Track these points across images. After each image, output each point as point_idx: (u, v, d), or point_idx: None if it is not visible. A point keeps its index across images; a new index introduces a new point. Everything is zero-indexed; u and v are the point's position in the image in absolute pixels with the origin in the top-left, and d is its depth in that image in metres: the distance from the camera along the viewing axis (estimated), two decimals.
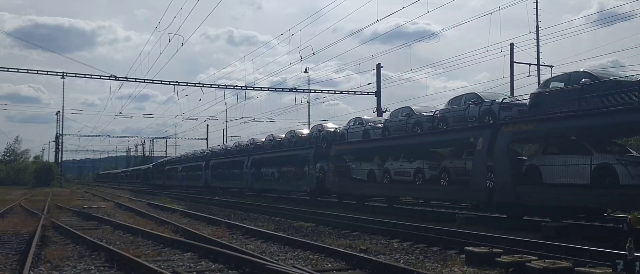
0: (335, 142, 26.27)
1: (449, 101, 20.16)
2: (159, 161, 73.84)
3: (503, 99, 17.73)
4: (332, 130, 27.92)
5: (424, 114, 21.02)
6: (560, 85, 15.51)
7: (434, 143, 20.59)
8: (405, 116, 21.85)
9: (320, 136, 28.52)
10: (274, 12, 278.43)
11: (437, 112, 20.22)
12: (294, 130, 33.56)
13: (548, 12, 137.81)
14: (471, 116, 18.08)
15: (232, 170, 39.84)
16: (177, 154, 72.24)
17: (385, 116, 30.78)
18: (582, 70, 15.62)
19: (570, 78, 15.31)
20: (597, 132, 14.58)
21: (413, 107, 22.59)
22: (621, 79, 13.92)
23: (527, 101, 16.92)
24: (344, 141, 25.71)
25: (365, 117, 26.77)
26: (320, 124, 30.94)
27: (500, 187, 16.06)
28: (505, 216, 17.13)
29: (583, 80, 14.57)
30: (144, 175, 75.71)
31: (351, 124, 26.37)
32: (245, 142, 40.93)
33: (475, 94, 19.03)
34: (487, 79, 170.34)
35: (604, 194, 13.50)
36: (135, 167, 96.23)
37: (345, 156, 26.01)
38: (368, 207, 23.84)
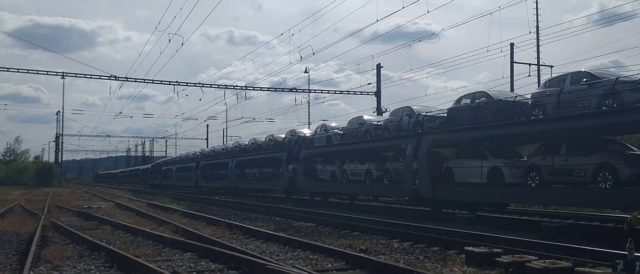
0: (304, 146, 28.86)
1: (391, 113, 23.09)
2: (156, 162, 75.94)
3: (427, 113, 20.51)
4: (303, 135, 30.64)
5: (373, 123, 23.83)
6: (468, 102, 18.31)
7: (378, 148, 23.25)
8: (358, 124, 24.70)
9: (292, 140, 31.01)
10: (275, 12, 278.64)
11: (381, 122, 23.33)
12: (272, 134, 35.81)
13: (549, 12, 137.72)
14: (405, 126, 21.08)
15: (219, 171, 42.25)
16: (175, 155, 72.69)
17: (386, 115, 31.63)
18: (482, 90, 19.24)
19: (475, 96, 18.18)
20: (501, 140, 17.43)
21: (365, 117, 25.70)
22: (509, 98, 17.06)
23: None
24: (311, 145, 28.38)
25: (333, 124, 29.23)
26: (294, 130, 33.72)
27: (422, 186, 18.99)
28: (429, 209, 19.34)
29: (481, 99, 17.52)
30: (142, 175, 78.82)
31: (318, 130, 28.94)
32: (230, 145, 43.96)
33: (410, 107, 22.01)
34: (488, 79, 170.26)
35: (494, 191, 16.78)
36: (133, 168, 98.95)
37: (313, 158, 28.62)
38: (369, 207, 23.89)
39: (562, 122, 14.46)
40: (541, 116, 15.28)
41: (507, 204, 19.29)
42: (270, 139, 34.60)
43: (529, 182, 15.48)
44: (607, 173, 13.18)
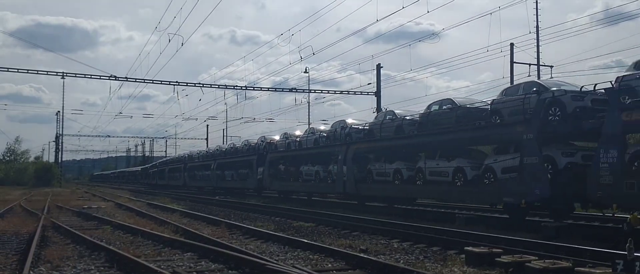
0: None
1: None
2: (145, 165, 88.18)
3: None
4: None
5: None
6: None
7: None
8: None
9: (343, 133, 28.32)
10: (278, 12, 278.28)
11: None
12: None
13: (553, 12, 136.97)
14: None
15: (180, 173, 56.17)
16: (175, 156, 74.66)
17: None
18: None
19: None
20: None
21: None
22: None
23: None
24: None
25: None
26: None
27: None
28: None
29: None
30: (128, 176, 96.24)
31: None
32: (186, 154, 61.59)
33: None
34: (490, 79, 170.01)
35: None
36: (123, 170, 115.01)
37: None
38: (369, 207, 23.86)
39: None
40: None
41: None
42: (216, 148, 42.33)
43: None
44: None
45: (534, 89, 16.00)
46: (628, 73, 13.85)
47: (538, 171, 14.56)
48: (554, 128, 14.70)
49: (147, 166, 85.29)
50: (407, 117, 22.21)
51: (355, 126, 26.16)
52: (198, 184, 49.90)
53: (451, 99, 20.30)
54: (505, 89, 18.33)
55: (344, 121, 28.23)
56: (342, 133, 26.37)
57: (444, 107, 19.65)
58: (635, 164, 12.83)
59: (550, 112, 14.85)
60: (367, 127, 24.88)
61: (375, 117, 26.15)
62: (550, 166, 14.78)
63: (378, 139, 23.29)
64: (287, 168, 31.78)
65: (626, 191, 12.30)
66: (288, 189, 31.69)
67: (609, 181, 12.62)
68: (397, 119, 22.72)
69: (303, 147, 30.12)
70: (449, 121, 18.88)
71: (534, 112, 15.18)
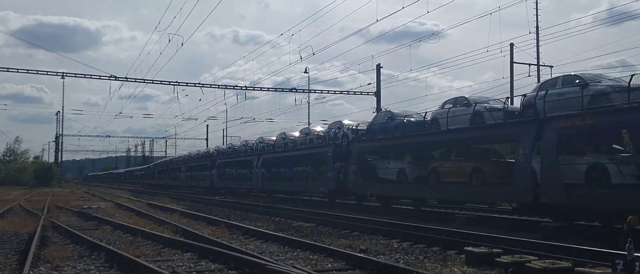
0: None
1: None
2: (129, 168, 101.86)
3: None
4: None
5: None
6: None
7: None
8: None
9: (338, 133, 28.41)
10: (281, 11, 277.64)
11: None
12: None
13: (557, 11, 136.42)
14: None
15: (168, 174, 64.99)
16: (174, 156, 76.31)
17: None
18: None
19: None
20: None
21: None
22: None
23: None
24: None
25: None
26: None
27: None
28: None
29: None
30: (117, 177, 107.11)
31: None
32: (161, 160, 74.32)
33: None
34: (493, 79, 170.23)
35: None
36: (112, 171, 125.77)
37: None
38: (369, 207, 23.86)
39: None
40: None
41: None
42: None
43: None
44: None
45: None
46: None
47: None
48: None
49: (132, 169, 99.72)
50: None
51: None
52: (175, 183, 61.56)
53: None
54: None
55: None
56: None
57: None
58: None
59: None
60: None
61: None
62: None
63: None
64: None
65: None
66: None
67: None
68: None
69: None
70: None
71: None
